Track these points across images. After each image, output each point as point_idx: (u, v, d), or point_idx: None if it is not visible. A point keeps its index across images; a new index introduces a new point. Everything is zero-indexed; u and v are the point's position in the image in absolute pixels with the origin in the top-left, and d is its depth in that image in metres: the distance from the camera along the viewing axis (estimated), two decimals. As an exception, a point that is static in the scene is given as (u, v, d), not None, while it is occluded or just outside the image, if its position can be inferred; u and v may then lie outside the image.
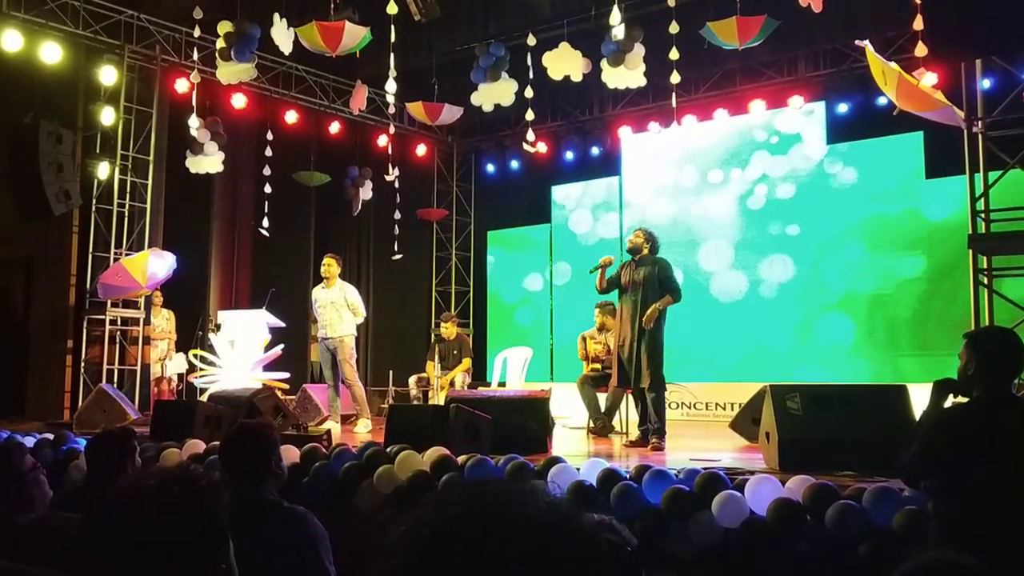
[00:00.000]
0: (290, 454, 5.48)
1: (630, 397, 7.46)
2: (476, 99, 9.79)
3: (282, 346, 9.46)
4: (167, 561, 1.37)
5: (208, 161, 10.35)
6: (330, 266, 8.57)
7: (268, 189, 11.42)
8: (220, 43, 8.94)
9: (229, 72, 9.13)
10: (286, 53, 8.87)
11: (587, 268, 7.54)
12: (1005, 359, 3.10)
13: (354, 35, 8.00)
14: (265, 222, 11.38)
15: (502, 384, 10.45)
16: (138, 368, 9.89)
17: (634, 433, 7.17)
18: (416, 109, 10.23)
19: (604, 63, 8.86)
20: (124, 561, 1.36)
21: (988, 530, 2.82)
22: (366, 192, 12.14)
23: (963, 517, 2.93)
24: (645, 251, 7.11)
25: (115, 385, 9.43)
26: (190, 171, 10.40)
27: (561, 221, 12.75)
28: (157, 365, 10.54)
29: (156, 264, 9.31)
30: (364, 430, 8.27)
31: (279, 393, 8.20)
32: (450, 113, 10.26)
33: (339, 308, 8.46)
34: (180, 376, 10.85)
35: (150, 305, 10.18)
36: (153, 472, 1.51)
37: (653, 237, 7.22)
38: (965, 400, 3.20)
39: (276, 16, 8.55)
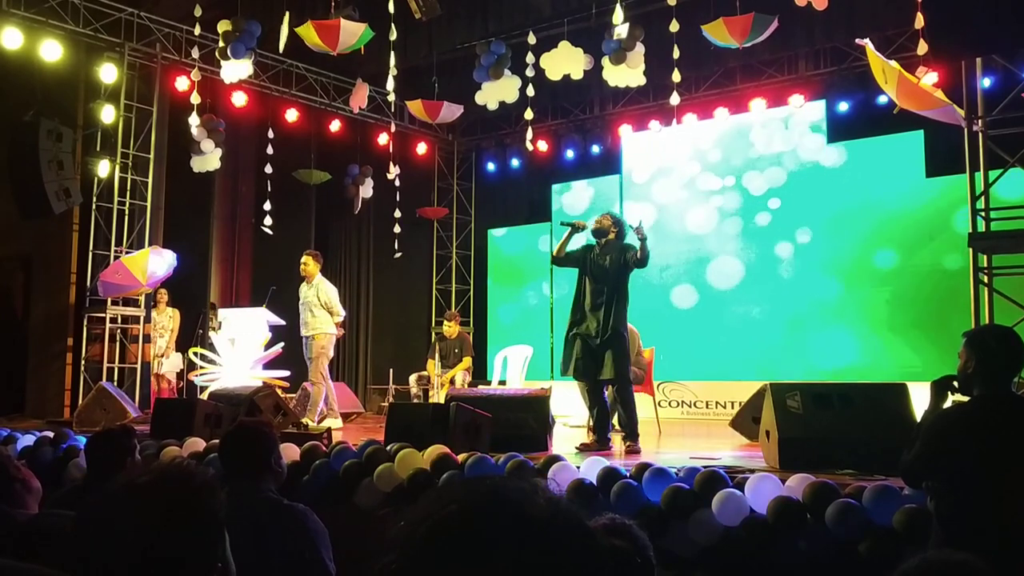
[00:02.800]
0: (290, 452, 5.48)
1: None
2: (480, 98, 9.80)
3: (282, 344, 9.46)
4: (163, 559, 1.37)
5: (208, 159, 10.35)
6: (307, 264, 8.51)
7: (269, 187, 11.42)
8: (221, 42, 8.95)
9: (230, 70, 9.14)
10: (280, 51, 8.89)
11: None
12: (1005, 357, 3.09)
13: (352, 32, 7.98)
14: (267, 220, 11.39)
15: (502, 382, 10.45)
16: (138, 366, 9.90)
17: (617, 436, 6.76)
18: (416, 107, 10.23)
19: (606, 61, 8.88)
20: (119, 559, 1.35)
21: (989, 530, 2.81)
22: (366, 190, 12.14)
23: (964, 517, 2.93)
24: (612, 236, 6.72)
25: (115, 383, 9.44)
26: (194, 171, 10.39)
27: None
28: (154, 361, 10.53)
29: (156, 262, 9.32)
30: (335, 426, 8.23)
31: (279, 391, 8.20)
32: (450, 111, 10.27)
33: (312, 307, 8.38)
34: (179, 374, 10.84)
35: (150, 303, 10.18)
36: (148, 468, 1.50)
37: (621, 223, 6.82)
38: (965, 399, 3.20)
39: (288, 15, 8.55)
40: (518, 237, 13.32)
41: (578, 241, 6.90)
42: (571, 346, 6.63)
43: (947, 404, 3.28)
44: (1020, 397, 3.25)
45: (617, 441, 6.63)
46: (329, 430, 6.89)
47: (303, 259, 8.58)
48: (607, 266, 6.59)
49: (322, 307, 8.40)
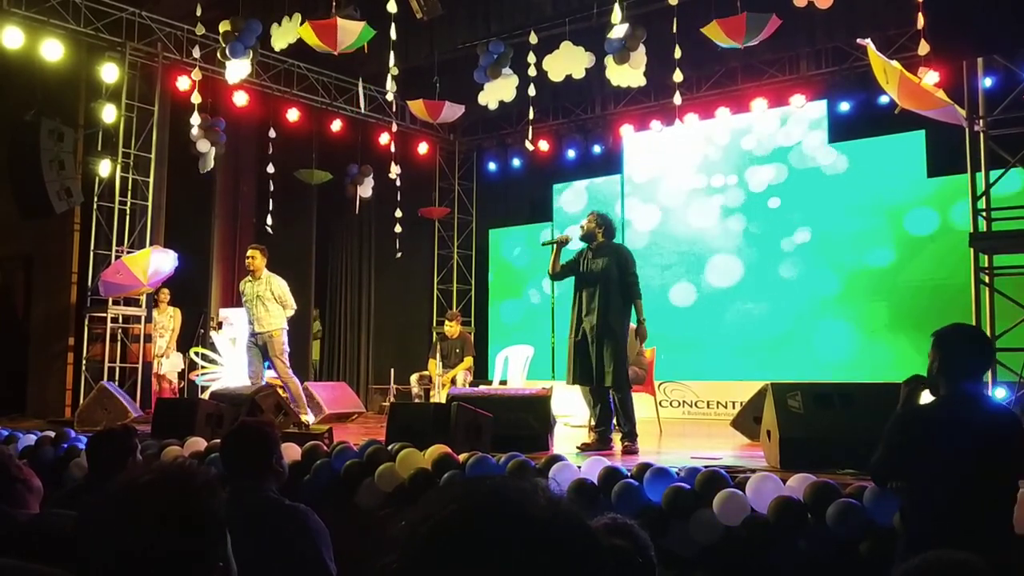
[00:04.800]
0: (291, 452, 5.49)
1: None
2: (483, 98, 9.80)
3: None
4: (164, 558, 1.37)
5: (204, 159, 10.34)
6: (254, 258, 8.33)
7: (271, 187, 11.42)
8: (221, 42, 8.97)
9: (233, 72, 9.16)
10: (277, 49, 8.91)
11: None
12: (969, 357, 3.10)
13: (350, 31, 7.94)
14: (268, 220, 11.40)
15: (503, 382, 10.46)
16: (139, 366, 9.89)
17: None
18: (417, 107, 10.23)
19: (609, 60, 8.89)
20: (121, 557, 1.36)
21: (950, 531, 2.79)
22: (364, 190, 12.11)
23: (927, 517, 2.93)
24: (599, 237, 6.63)
25: (116, 383, 9.44)
26: (200, 171, 10.39)
27: (562, 220, 12.73)
28: (155, 361, 10.51)
29: (157, 262, 9.32)
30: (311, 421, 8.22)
31: (280, 391, 8.20)
32: (451, 111, 10.26)
33: (265, 301, 8.20)
34: (180, 374, 10.84)
35: (151, 303, 10.18)
36: (150, 468, 1.50)
37: (607, 221, 6.68)
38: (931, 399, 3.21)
39: (286, 19, 8.56)
40: (519, 237, 13.32)
41: (571, 248, 6.85)
42: (570, 353, 6.62)
43: (922, 401, 3.28)
44: (983, 398, 3.25)
45: (616, 441, 6.62)
46: (331, 429, 6.88)
47: (250, 253, 8.38)
48: (599, 270, 6.53)
49: (275, 300, 8.23)
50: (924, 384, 3.23)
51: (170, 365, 10.57)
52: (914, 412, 3.18)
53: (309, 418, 8.30)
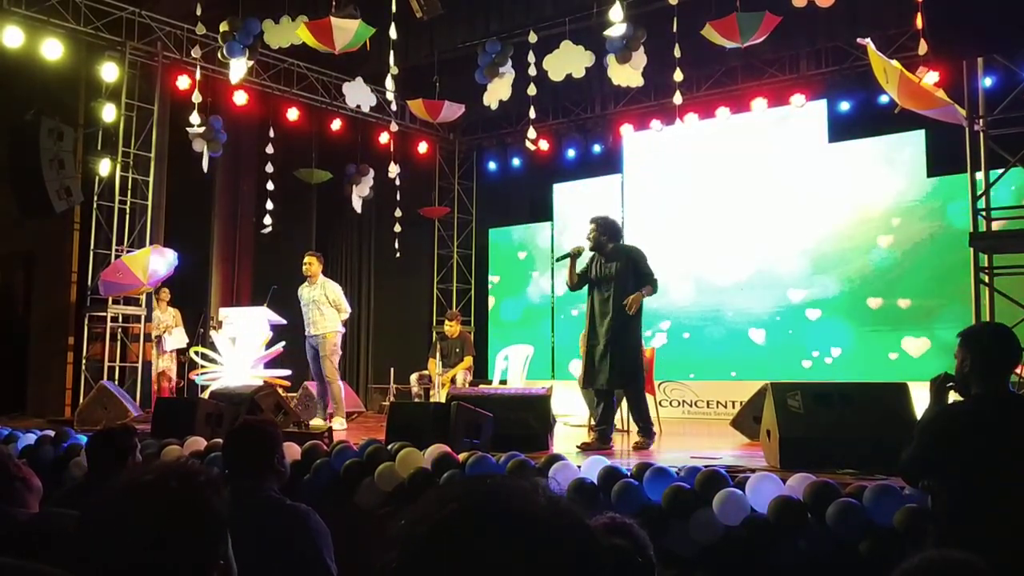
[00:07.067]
0: (292, 451, 5.48)
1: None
2: (487, 99, 9.81)
3: (283, 343, 9.47)
4: (165, 557, 1.37)
5: (204, 159, 10.33)
6: (311, 264, 8.55)
7: (270, 186, 11.42)
8: (220, 42, 8.99)
9: (236, 72, 9.17)
10: (273, 47, 8.91)
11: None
12: (999, 355, 3.09)
13: (346, 30, 7.94)
14: (267, 219, 11.39)
15: (503, 382, 10.45)
16: (139, 365, 9.90)
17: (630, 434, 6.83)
18: (417, 107, 10.23)
19: (610, 59, 8.89)
20: (122, 557, 1.36)
21: (983, 528, 2.80)
22: (361, 190, 12.10)
23: (959, 515, 2.93)
24: (606, 243, 6.64)
25: (116, 382, 9.45)
26: (204, 171, 10.39)
27: (562, 219, 12.73)
28: (155, 358, 10.46)
29: (157, 261, 9.32)
30: (339, 427, 8.25)
31: (280, 390, 8.20)
32: (451, 110, 10.26)
33: (320, 306, 8.42)
34: (180, 364, 10.80)
35: (151, 302, 10.18)
36: (151, 467, 1.50)
37: (608, 224, 6.69)
38: (962, 399, 3.20)
39: (285, 18, 8.57)
40: (519, 236, 13.32)
41: (584, 258, 6.86)
42: (587, 358, 6.63)
43: (949, 402, 3.28)
44: (1017, 396, 3.25)
45: (618, 440, 6.63)
46: (331, 429, 6.89)
47: (307, 260, 8.59)
48: (613, 273, 6.55)
49: (331, 305, 8.45)
50: (952, 382, 3.23)
51: (174, 342, 10.49)
52: (947, 411, 3.17)
53: (341, 424, 8.32)
